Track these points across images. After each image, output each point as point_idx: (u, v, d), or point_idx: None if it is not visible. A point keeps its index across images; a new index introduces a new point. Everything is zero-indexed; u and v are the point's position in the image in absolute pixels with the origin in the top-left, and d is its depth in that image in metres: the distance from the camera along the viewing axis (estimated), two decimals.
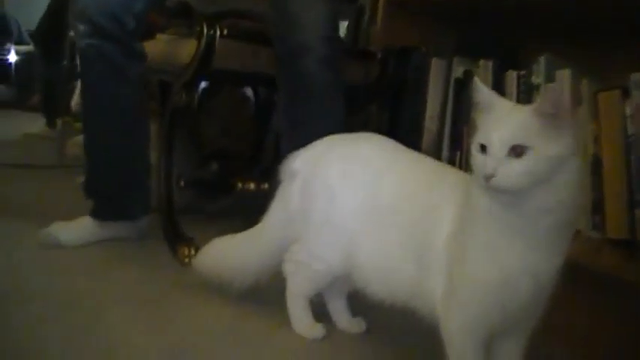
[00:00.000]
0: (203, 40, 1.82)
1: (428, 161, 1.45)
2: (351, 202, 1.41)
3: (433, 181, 1.31)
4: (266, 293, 1.61)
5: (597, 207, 1.55)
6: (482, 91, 1.12)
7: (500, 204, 1.06)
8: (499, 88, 1.84)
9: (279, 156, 1.69)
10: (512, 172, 1.01)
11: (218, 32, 1.82)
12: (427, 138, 2.07)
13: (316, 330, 1.53)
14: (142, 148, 2.08)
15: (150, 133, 2.13)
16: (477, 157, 1.07)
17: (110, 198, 2.07)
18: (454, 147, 2.02)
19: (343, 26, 2.83)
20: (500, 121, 1.06)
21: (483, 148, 1.06)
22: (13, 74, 6.49)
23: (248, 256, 1.60)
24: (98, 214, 2.06)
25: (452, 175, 1.32)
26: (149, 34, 2.69)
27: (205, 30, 1.81)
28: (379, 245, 1.36)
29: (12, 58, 6.49)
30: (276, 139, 3.00)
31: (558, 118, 1.02)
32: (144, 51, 1.98)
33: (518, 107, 1.11)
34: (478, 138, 1.08)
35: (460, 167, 1.85)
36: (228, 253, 1.63)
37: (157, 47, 2.36)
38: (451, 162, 1.98)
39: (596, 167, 1.55)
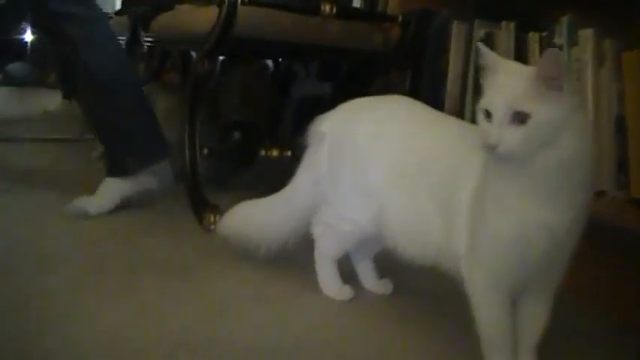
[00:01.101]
0: (224, 7, 1.82)
1: (454, 121, 1.45)
2: (379, 163, 1.41)
3: (459, 140, 1.32)
4: (293, 256, 1.62)
5: (622, 166, 1.54)
6: (486, 55, 1.12)
7: (508, 165, 1.07)
8: (521, 50, 1.83)
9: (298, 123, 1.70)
10: (514, 140, 1.02)
11: None
12: (449, 100, 2.07)
13: (344, 292, 1.54)
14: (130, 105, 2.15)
15: (139, 90, 2.17)
16: (482, 123, 1.08)
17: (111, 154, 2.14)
18: None
19: None
20: (503, 86, 1.06)
21: (488, 114, 1.06)
22: (28, 53, 6.51)
23: (276, 219, 1.61)
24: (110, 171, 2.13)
25: (476, 134, 1.31)
26: (167, 6, 2.70)
27: None
28: (407, 205, 1.37)
29: (28, 37, 6.50)
30: (296, 106, 3.01)
31: (558, 80, 1.02)
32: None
33: (520, 71, 1.09)
34: (482, 103, 1.08)
35: None
36: (255, 217, 1.65)
37: (176, 17, 2.37)
38: (473, 124, 1.98)
39: (620, 127, 1.55)
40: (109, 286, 1.53)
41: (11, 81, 6.37)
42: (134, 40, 3.06)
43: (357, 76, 2.33)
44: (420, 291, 1.62)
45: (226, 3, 1.81)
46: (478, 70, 1.95)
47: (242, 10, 1.83)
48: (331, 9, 1.93)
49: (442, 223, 1.29)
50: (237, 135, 2.60)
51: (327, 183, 1.51)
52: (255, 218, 1.65)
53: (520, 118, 1.01)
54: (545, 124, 1.01)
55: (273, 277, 1.63)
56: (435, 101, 2.07)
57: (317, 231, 1.54)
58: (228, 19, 1.82)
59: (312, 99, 2.87)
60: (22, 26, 6.45)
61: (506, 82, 1.06)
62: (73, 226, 1.94)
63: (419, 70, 2.15)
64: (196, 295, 1.52)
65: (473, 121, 1.95)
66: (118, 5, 7.44)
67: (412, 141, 1.39)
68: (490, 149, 1.04)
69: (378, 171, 1.41)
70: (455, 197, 1.25)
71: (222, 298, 1.52)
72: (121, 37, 3.32)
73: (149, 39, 2.69)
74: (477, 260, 1.19)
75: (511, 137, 1.02)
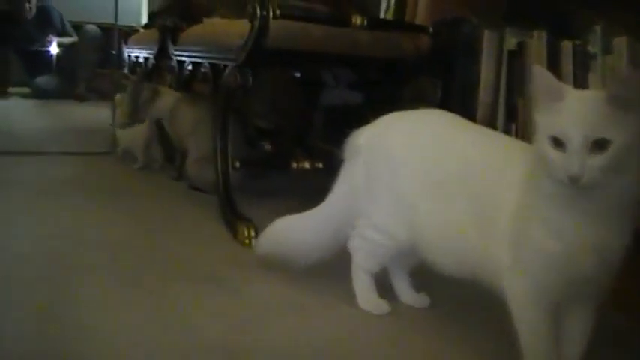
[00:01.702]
0: (256, 22, 1.82)
1: (492, 134, 1.44)
2: (416, 175, 1.41)
3: (498, 154, 1.31)
4: (330, 268, 1.62)
5: None
6: (546, 78, 1.08)
7: (569, 190, 1.04)
8: (554, 59, 1.82)
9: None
10: (598, 169, 0.99)
11: (271, 13, 1.81)
12: (482, 110, 2.06)
13: (381, 306, 1.54)
14: None
15: None
16: (550, 152, 1.04)
17: None
18: (509, 119, 2.01)
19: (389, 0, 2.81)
20: (575, 113, 1.02)
21: (558, 143, 1.03)
22: (54, 66, 6.59)
23: (314, 236, 1.61)
24: None
25: (517, 147, 1.30)
26: (194, 18, 2.72)
27: (258, 11, 1.81)
28: (444, 218, 1.36)
29: (54, 50, 6.58)
30: (325, 115, 3.02)
31: (629, 101, 0.99)
32: None
33: (589, 95, 1.06)
34: (549, 130, 1.04)
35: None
36: (293, 234, 1.65)
37: (205, 30, 2.38)
38: (506, 134, 1.97)
39: None
40: (142, 295, 1.54)
41: (39, 94, 6.45)
42: (163, 52, 3.08)
43: (387, 85, 2.33)
44: (457, 305, 1.61)
45: (258, 17, 1.81)
46: (510, 79, 1.97)
47: (274, 24, 1.83)
48: (362, 21, 1.93)
49: (479, 236, 1.28)
50: (267, 145, 2.61)
51: (364, 197, 1.50)
52: (292, 236, 1.65)
53: (600, 145, 0.99)
54: (624, 149, 0.99)
55: (309, 289, 1.62)
56: (467, 110, 2.07)
57: (354, 244, 1.54)
58: (261, 33, 1.83)
59: (341, 107, 2.87)
60: (49, 39, 6.56)
61: (579, 108, 1.03)
62: (107, 231, 1.96)
63: (450, 79, 2.14)
64: (230, 306, 1.52)
65: (505, 131, 1.97)
66: (144, 19, 7.54)
67: (449, 154, 1.38)
68: (572, 181, 1.01)
69: (414, 184, 1.41)
70: (495, 211, 1.24)
71: (256, 308, 1.53)
72: (149, 50, 3.36)
73: (178, 52, 2.71)
74: (520, 275, 1.18)
75: (594, 166, 0.99)
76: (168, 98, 2.69)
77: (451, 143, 1.40)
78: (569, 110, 1.03)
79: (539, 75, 1.08)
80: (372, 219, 1.49)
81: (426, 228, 1.40)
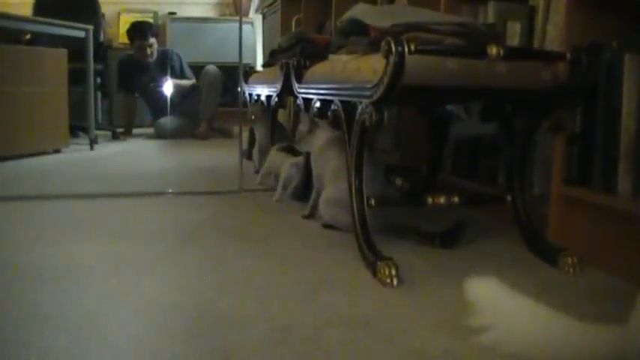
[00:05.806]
0: (392, 58, 1.79)
1: None
2: None
3: None
4: None
5: None
6: None
7: None
8: None
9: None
10: None
11: (407, 48, 1.78)
12: (625, 136, 1.96)
13: None
14: None
15: None
16: None
17: None
18: None
19: (515, 27, 2.74)
20: None
21: None
22: (175, 107, 6.82)
23: None
24: None
25: None
26: (320, 55, 2.73)
27: (394, 47, 1.78)
28: None
29: (168, 91, 6.83)
30: (456, 149, 2.96)
31: None
32: None
33: None
34: None
35: None
36: None
37: (333, 67, 2.37)
38: None
39: None
40: (294, 346, 1.51)
41: (162, 134, 6.70)
42: (286, 89, 3.11)
43: (521, 116, 2.26)
44: None
45: (394, 54, 1.79)
46: None
47: (409, 59, 1.80)
48: (498, 51, 1.87)
49: None
50: (399, 181, 2.57)
51: None
52: None
53: None
54: None
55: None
56: (609, 138, 1.98)
57: None
58: (397, 70, 1.80)
59: (472, 140, 2.81)
60: (165, 80, 6.82)
61: None
62: (253, 285, 1.93)
63: (590, 106, 2.05)
64: (388, 353, 1.47)
65: None
66: (258, 57, 7.73)
67: None
68: None
69: None
70: None
71: (413, 355, 1.46)
72: (272, 88, 3.41)
73: (303, 89, 2.72)
74: None
75: None
76: (323, 135, 2.66)
77: None
78: None
79: None
80: None
81: None
